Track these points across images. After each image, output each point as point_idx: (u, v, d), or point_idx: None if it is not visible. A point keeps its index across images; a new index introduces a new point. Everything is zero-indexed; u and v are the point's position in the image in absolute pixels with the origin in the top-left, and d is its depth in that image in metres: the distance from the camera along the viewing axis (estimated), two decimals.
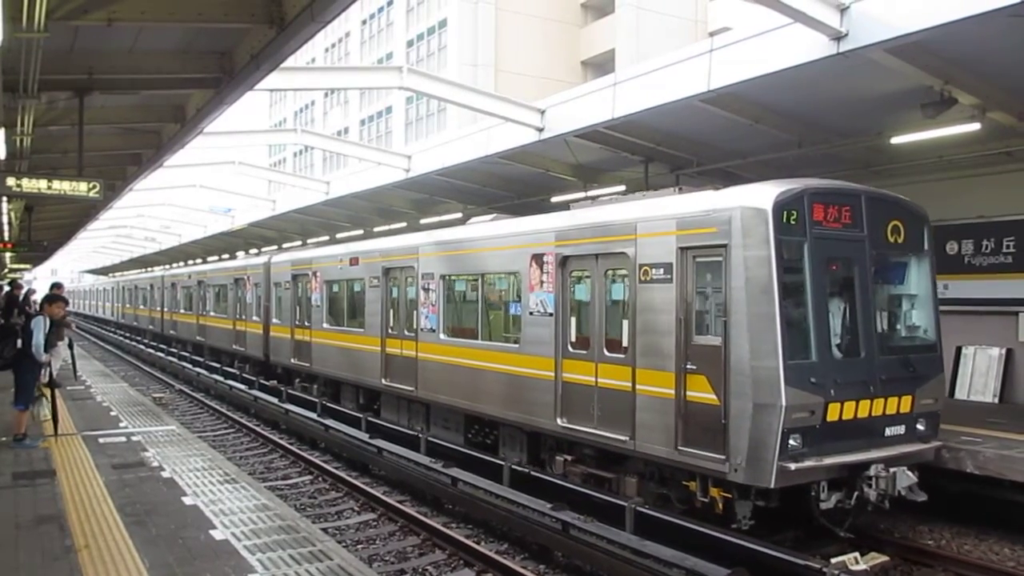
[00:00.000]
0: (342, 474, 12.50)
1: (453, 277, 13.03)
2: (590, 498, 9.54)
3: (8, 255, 29.91)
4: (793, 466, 7.48)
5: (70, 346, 13.45)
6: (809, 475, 7.68)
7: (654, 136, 12.60)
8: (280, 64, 8.34)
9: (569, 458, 10.29)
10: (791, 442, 7.55)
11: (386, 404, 15.17)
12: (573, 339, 10.13)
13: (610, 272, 9.64)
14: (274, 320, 20.52)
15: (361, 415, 14.98)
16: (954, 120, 9.77)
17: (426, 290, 13.23)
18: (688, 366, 8.30)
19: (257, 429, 16.78)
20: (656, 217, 8.89)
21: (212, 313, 26.63)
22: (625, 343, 9.18)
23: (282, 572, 5.96)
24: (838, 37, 8.21)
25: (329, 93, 60.89)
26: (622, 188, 14.64)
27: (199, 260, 39.44)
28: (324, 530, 8.94)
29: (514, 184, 17.27)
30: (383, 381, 14.54)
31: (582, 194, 15.43)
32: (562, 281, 10.18)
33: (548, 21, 45.38)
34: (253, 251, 32.94)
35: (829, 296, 8.37)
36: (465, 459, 11.75)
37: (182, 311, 30.80)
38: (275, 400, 18.29)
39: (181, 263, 41.74)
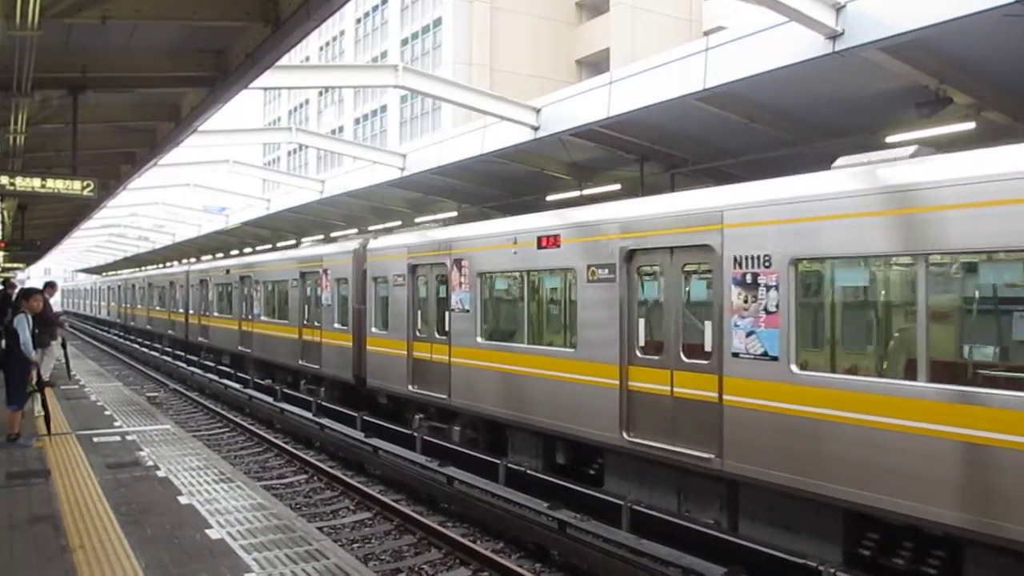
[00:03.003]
0: (338, 473, 12.49)
1: (822, 262, 7.54)
2: (586, 496, 9.54)
3: (1, 254, 29.76)
4: None
5: (63, 345, 13.42)
6: None
7: (649, 135, 12.62)
8: (275, 63, 8.33)
9: None
10: None
11: (621, 471, 9.60)
12: None
13: None
14: (372, 330, 15.08)
15: (561, 479, 10.10)
16: (949, 119, 9.78)
17: (746, 285, 7.74)
18: None
19: (252, 428, 16.79)
20: None
21: (263, 318, 21.30)
22: None
23: (278, 571, 5.95)
24: (834, 36, 8.23)
25: (323, 92, 60.92)
26: (617, 187, 14.66)
27: (242, 251, 34.46)
28: (320, 529, 8.95)
29: (509, 183, 17.29)
30: (625, 435, 9.08)
31: (576, 193, 15.48)
32: None
33: (543, 20, 45.52)
34: (331, 234, 26.48)
35: None
36: (460, 458, 11.75)
37: (216, 314, 25.53)
38: (270, 399, 18.29)
39: (210, 256, 37.89)
